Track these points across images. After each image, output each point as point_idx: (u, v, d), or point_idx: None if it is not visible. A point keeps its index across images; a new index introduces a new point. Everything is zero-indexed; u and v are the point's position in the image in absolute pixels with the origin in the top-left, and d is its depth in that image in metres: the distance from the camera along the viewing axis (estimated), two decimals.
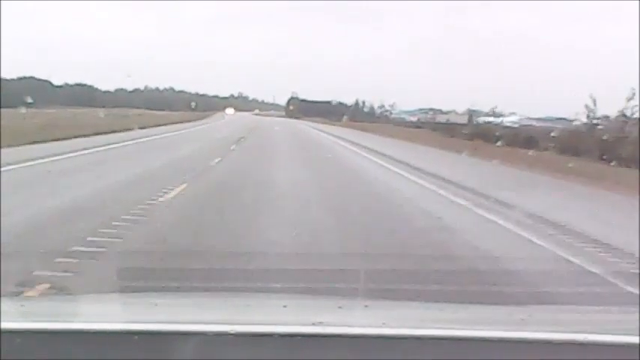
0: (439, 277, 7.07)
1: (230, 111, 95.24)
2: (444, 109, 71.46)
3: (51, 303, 2.48)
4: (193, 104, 78.50)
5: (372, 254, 8.18)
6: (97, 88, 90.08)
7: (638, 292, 6.76)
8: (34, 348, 1.69)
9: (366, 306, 2.58)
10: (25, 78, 76.17)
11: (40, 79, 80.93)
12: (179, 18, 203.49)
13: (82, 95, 79.81)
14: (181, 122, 53.67)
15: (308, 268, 7.09)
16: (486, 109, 61.80)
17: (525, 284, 7.03)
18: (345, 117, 70.42)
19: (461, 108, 70.00)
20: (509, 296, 6.34)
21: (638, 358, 1.66)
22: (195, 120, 62.96)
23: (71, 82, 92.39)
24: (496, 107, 61.02)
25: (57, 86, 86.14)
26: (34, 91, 55.77)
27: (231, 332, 1.73)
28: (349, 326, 1.97)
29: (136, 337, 1.72)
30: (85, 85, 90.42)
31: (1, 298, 2.33)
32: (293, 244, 8.77)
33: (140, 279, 5.78)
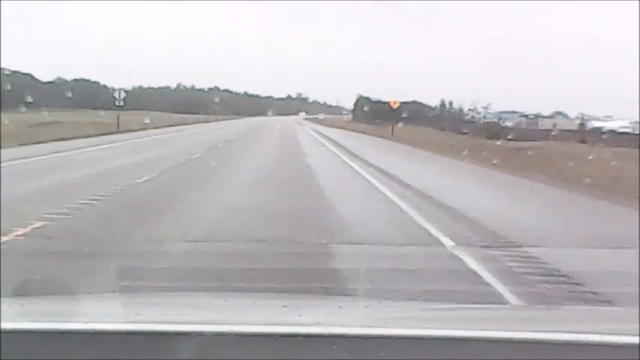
0: (439, 277, 7.07)
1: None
2: (526, 112, 62.02)
3: (51, 303, 2.48)
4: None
5: (372, 254, 8.17)
6: (104, 86, 68.66)
7: None
8: (34, 348, 1.69)
9: (366, 306, 2.58)
10: None
11: (15, 71, 60.69)
12: (234, 14, 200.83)
13: (83, 94, 63.48)
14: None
15: (308, 267, 7.09)
16: (571, 112, 56.49)
17: None
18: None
19: (544, 110, 63.28)
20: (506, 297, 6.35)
21: (638, 358, 1.66)
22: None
23: (68, 77, 77.50)
24: (585, 111, 55.35)
25: (43, 82, 68.17)
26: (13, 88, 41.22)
27: (231, 332, 1.73)
28: (349, 326, 1.97)
29: (136, 337, 1.72)
30: (87, 80, 73.94)
31: (1, 298, 2.32)
32: None
33: (140, 279, 5.79)
